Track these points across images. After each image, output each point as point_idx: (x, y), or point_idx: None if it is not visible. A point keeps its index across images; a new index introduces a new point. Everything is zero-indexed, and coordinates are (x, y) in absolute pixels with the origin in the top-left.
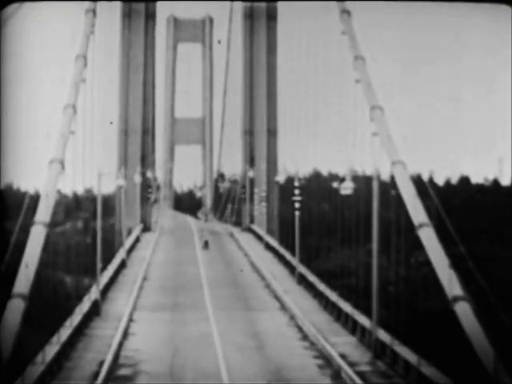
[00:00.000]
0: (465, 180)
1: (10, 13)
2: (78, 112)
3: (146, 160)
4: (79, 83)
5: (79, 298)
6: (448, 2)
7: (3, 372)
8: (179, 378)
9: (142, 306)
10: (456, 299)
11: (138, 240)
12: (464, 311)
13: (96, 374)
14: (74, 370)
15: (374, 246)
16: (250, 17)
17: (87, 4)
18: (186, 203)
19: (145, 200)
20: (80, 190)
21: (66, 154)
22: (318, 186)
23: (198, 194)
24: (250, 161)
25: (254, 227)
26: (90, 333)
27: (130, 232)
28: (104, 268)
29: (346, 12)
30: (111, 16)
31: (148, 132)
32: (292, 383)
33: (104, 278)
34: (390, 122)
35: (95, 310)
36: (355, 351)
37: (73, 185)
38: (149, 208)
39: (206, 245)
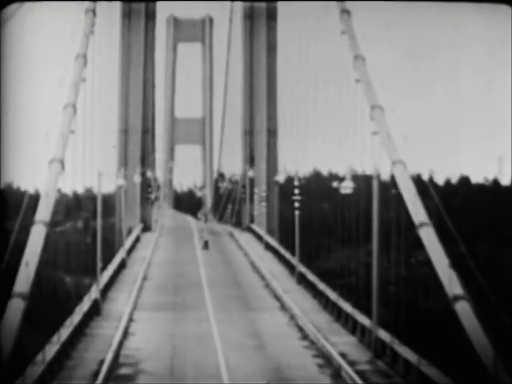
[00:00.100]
0: (465, 180)
1: (9, 13)
2: (78, 112)
3: (146, 160)
4: (79, 83)
5: (79, 298)
6: (448, 2)
7: (4, 371)
8: (179, 377)
9: (142, 306)
10: (456, 299)
11: (138, 240)
12: (464, 311)
13: (96, 373)
14: (75, 369)
15: (374, 245)
16: (249, 17)
17: (87, 4)
18: (186, 203)
19: (145, 200)
20: (80, 190)
21: (65, 153)
22: (318, 186)
23: (198, 193)
24: (250, 161)
25: (254, 227)
26: (90, 332)
27: (130, 231)
28: (104, 267)
29: (345, 12)
30: (111, 16)
31: (148, 132)
32: (292, 383)
33: (104, 278)
34: (389, 122)
35: (95, 310)
36: (355, 351)
37: (73, 184)
38: (149, 208)
39: (205, 245)
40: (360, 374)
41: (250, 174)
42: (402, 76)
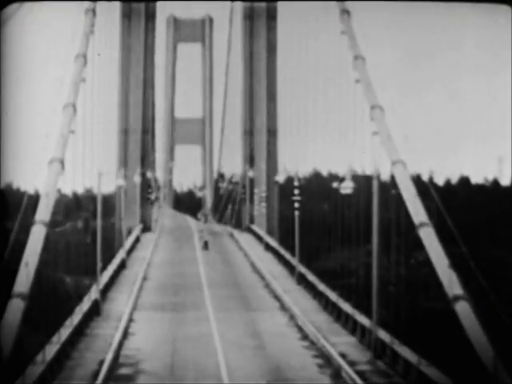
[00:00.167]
0: (465, 180)
1: (10, 13)
2: (78, 112)
3: (146, 160)
4: (79, 82)
5: (79, 298)
6: (448, 2)
7: (4, 371)
8: (179, 377)
9: (141, 306)
10: (456, 299)
11: (137, 240)
12: (464, 311)
13: (96, 373)
14: (75, 369)
15: (374, 245)
16: (249, 17)
17: (87, 4)
18: (186, 203)
19: (145, 200)
20: (80, 190)
21: (65, 153)
22: (318, 186)
23: (198, 194)
24: (250, 161)
25: (254, 227)
26: (90, 332)
27: (129, 232)
28: (104, 268)
29: (345, 12)
30: (111, 16)
31: (148, 132)
32: (292, 383)
33: (104, 278)
34: (389, 122)
35: (95, 310)
36: (355, 351)
37: (73, 184)
38: (149, 208)
39: (205, 245)
40: (360, 374)
41: (250, 174)
42: (401, 76)
